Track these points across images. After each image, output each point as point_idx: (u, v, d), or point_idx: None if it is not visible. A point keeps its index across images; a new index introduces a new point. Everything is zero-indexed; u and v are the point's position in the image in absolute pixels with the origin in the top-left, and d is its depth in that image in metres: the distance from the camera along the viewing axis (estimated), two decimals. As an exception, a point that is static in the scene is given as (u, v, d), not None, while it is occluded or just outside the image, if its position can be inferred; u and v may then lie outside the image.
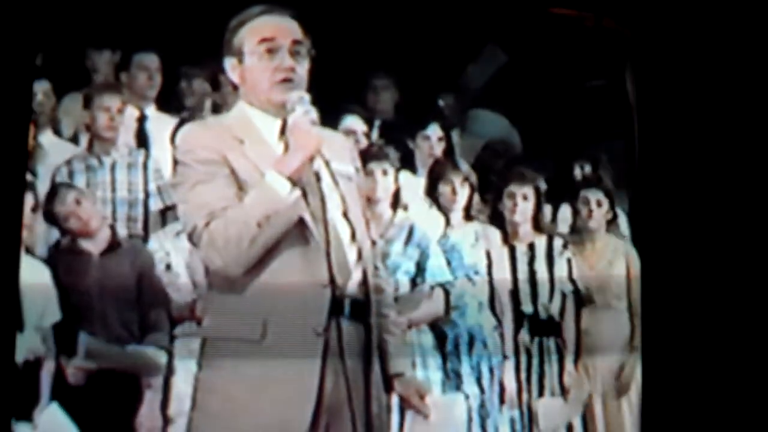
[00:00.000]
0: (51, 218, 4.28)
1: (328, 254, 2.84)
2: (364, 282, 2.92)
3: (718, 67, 4.31)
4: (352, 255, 2.91)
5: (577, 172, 5.04)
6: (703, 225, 4.21)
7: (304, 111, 2.88)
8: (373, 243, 3.05)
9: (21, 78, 3.90)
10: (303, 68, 2.96)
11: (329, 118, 4.51)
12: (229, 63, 2.99)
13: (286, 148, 2.90)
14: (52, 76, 4.67)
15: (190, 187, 2.87)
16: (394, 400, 3.96)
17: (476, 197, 4.64)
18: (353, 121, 4.67)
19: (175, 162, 2.92)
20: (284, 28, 2.96)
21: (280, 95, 2.91)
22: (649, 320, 4.29)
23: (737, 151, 4.25)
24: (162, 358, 4.16)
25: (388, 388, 3.01)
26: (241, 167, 2.87)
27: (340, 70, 4.61)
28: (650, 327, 4.29)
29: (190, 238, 2.87)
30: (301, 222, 2.84)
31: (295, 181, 2.81)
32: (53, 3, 4.03)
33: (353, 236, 2.93)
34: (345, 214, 2.94)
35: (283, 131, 2.93)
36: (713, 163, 4.25)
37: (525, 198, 4.63)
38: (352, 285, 2.90)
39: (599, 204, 4.80)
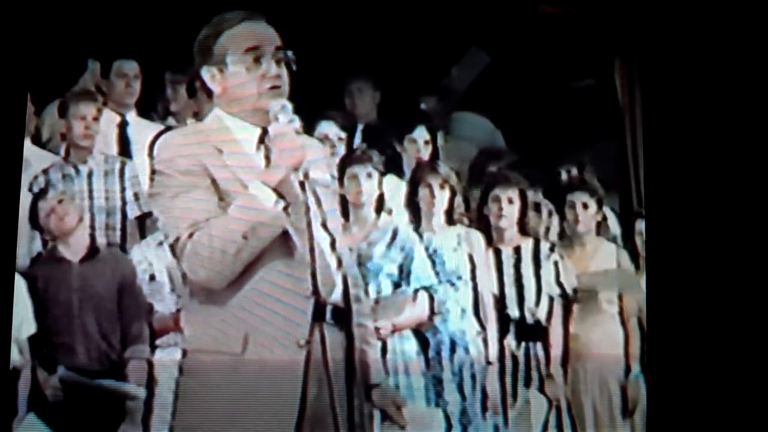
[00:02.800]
0: (33, 217, 4.25)
1: (312, 265, 2.82)
2: (345, 290, 2.89)
3: (726, 68, 4.29)
4: (332, 264, 2.88)
5: (563, 176, 5.01)
6: (712, 237, 4.19)
7: (288, 120, 2.85)
8: (350, 250, 3.03)
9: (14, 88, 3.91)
10: (285, 74, 2.94)
11: (306, 124, 4.53)
12: (209, 72, 2.94)
13: (267, 158, 2.87)
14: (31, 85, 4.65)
15: (170, 198, 2.83)
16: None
17: (458, 201, 4.56)
18: (328, 127, 4.61)
19: (153, 171, 2.88)
20: (266, 35, 2.94)
21: (265, 103, 2.88)
22: (655, 334, 4.29)
23: (747, 158, 4.23)
24: (141, 392, 4.11)
25: (367, 397, 2.98)
26: (221, 177, 2.83)
27: (319, 73, 4.59)
28: (656, 341, 4.29)
29: (173, 249, 2.83)
30: (284, 233, 2.81)
31: (280, 193, 2.78)
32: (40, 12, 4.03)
33: (333, 245, 2.90)
34: (324, 224, 2.91)
35: (261, 140, 2.90)
36: (722, 172, 4.23)
37: (510, 202, 4.57)
38: (336, 294, 2.87)
39: (585, 206, 4.73)
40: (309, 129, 4.40)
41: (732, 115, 4.26)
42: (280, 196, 2.78)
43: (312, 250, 2.83)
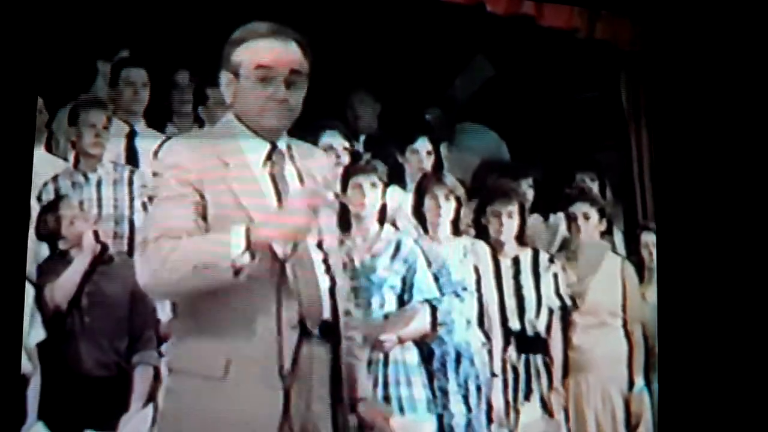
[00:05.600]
0: (43, 226, 4.25)
1: (299, 296, 2.77)
2: (335, 306, 2.85)
3: (733, 76, 4.29)
4: (325, 284, 2.84)
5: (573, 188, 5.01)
6: (722, 247, 4.19)
7: (313, 192, 2.80)
8: (345, 265, 3.02)
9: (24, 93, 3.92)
10: (298, 98, 2.88)
11: (309, 135, 4.54)
12: (225, 77, 2.90)
13: (272, 176, 2.83)
14: (44, 90, 4.67)
15: (158, 202, 2.81)
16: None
17: (465, 211, 4.57)
18: (333, 138, 4.58)
19: (154, 174, 2.86)
20: (284, 56, 2.86)
21: (270, 122, 2.85)
22: (667, 347, 4.29)
23: (755, 167, 4.23)
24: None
25: (353, 410, 2.93)
26: (216, 192, 2.78)
27: (321, 84, 4.59)
28: (667, 354, 4.29)
29: (137, 246, 2.82)
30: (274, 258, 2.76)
31: (253, 253, 2.69)
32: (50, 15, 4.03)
33: (327, 265, 2.86)
34: (320, 244, 2.87)
35: (269, 156, 2.86)
36: (731, 182, 4.23)
37: (510, 216, 4.59)
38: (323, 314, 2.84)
39: (587, 217, 4.74)
40: (313, 140, 4.47)
41: (741, 123, 4.27)
42: (252, 255, 2.70)
43: (296, 277, 2.78)
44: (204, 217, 2.77)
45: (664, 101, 4.49)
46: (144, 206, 4.48)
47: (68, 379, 4.12)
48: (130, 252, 4.41)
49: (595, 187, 4.99)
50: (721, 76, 4.35)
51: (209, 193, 2.79)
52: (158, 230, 2.75)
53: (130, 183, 4.55)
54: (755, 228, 4.21)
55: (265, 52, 2.85)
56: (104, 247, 4.27)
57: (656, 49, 5.16)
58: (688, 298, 4.21)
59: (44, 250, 4.33)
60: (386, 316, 4.18)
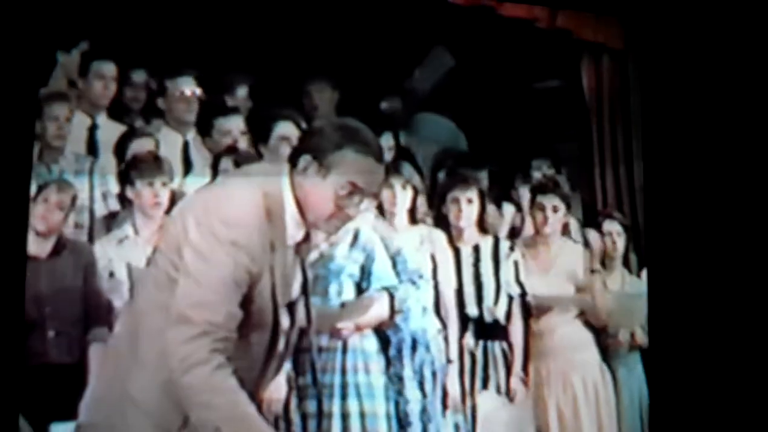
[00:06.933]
0: None
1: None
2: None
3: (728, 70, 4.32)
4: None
5: (535, 176, 5.04)
6: (711, 243, 4.21)
7: None
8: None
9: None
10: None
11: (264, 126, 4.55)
12: (313, 166, 2.77)
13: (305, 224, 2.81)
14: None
15: (205, 262, 2.67)
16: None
17: (421, 200, 4.61)
18: (286, 127, 4.51)
19: (198, 223, 2.70)
20: (375, 180, 2.82)
21: (327, 227, 2.84)
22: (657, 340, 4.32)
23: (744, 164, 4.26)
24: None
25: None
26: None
27: (278, 73, 4.61)
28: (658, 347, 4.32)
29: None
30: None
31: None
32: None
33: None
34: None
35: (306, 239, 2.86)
36: (719, 179, 4.26)
37: (470, 202, 4.61)
38: None
39: (555, 209, 4.76)
40: (266, 130, 4.48)
41: (731, 119, 4.30)
42: None
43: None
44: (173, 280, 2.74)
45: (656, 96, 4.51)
46: (104, 196, 4.56)
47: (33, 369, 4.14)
48: (91, 241, 4.45)
49: (564, 180, 5.03)
50: (689, 64, 4.38)
51: None
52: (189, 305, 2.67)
53: (91, 173, 4.57)
54: (741, 221, 4.25)
55: (362, 172, 2.78)
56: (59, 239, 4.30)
57: (622, 39, 5.23)
58: (678, 293, 4.25)
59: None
60: (343, 305, 4.19)
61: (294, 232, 2.79)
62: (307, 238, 2.84)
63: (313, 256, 3.55)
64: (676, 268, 4.29)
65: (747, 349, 4.17)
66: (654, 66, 4.53)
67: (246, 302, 2.69)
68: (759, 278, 4.21)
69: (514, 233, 4.87)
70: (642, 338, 4.78)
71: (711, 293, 4.20)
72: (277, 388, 4.01)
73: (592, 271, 4.71)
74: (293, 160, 2.78)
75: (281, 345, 2.81)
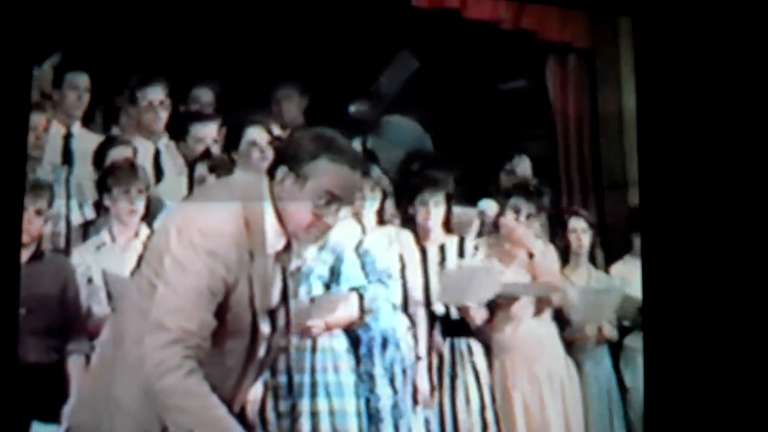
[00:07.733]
0: None
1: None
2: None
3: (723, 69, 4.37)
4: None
5: (501, 177, 5.13)
6: (705, 239, 4.27)
7: None
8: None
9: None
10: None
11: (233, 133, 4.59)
12: (290, 177, 2.83)
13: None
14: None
15: (183, 271, 2.74)
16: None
17: (390, 202, 4.71)
18: (256, 132, 4.55)
19: (179, 232, 2.76)
20: (351, 188, 2.89)
21: (306, 237, 2.90)
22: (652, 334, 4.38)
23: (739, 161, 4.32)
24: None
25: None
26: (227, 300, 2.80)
27: (245, 79, 4.63)
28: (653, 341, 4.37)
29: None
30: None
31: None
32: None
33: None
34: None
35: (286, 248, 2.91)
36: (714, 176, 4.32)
37: (437, 204, 4.68)
38: None
39: (521, 209, 4.78)
40: (236, 136, 4.55)
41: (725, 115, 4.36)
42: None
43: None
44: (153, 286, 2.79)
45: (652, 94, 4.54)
46: (80, 205, 4.63)
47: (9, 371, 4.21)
48: (68, 249, 4.55)
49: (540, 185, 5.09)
50: (658, 59, 4.43)
51: None
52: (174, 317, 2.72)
53: (67, 183, 4.65)
54: (729, 214, 4.31)
55: (340, 181, 2.84)
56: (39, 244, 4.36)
57: (589, 38, 5.30)
58: (673, 291, 4.32)
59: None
60: (312, 300, 4.26)
61: (274, 241, 2.85)
62: (288, 247, 2.90)
63: (295, 264, 3.67)
64: (671, 266, 4.36)
65: (745, 347, 4.23)
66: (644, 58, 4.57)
67: (222, 310, 2.76)
68: (754, 274, 4.27)
69: (481, 233, 4.91)
70: (610, 332, 4.88)
71: (709, 292, 4.27)
72: (254, 389, 4.11)
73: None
74: (271, 172, 2.84)
75: (262, 351, 2.88)
